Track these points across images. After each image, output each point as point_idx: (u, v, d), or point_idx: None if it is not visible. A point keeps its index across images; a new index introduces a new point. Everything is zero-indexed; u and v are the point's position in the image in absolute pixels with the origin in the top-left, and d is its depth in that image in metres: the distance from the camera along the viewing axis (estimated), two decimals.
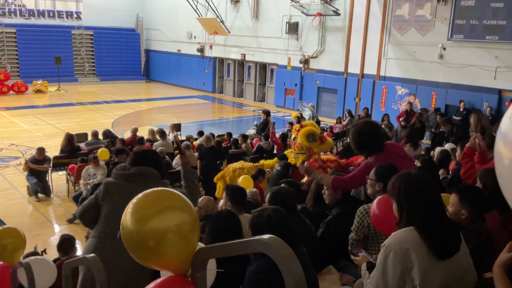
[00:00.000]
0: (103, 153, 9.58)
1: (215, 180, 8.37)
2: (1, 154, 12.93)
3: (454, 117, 14.36)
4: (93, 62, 29.41)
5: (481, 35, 14.59)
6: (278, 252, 1.16)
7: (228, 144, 11.52)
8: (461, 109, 14.34)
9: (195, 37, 27.00)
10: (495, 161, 1.21)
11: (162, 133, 11.46)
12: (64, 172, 10.54)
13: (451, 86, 15.62)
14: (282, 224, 2.55)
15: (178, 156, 10.08)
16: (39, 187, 9.76)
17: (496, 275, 1.86)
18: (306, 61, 20.62)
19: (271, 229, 2.48)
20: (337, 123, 15.41)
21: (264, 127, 13.55)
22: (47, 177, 10.07)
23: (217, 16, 23.23)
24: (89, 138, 11.67)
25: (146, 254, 1.40)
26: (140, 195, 1.48)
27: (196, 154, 10.14)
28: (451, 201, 2.80)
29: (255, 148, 11.29)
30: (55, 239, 6.87)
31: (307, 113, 15.57)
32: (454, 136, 11.91)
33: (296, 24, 20.77)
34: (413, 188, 2.20)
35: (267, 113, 14.57)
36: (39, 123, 17.22)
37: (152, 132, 12.56)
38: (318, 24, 19.63)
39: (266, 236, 1.20)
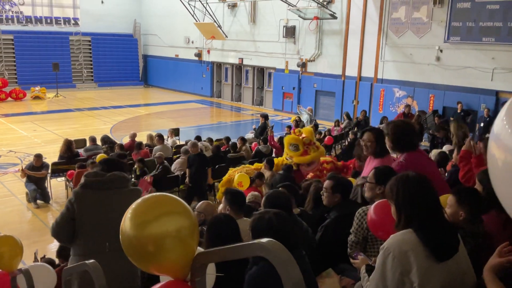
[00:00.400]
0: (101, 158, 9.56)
1: (219, 186, 8.37)
2: (0, 161, 12.92)
3: (452, 119, 14.39)
4: (91, 68, 29.44)
5: (478, 37, 14.64)
6: (276, 255, 1.17)
7: (227, 148, 11.54)
8: (458, 111, 14.38)
9: (192, 42, 27.05)
10: (488, 163, 1.22)
11: (160, 137, 11.47)
12: (63, 178, 10.54)
13: (449, 88, 15.67)
14: (283, 227, 2.56)
15: (177, 160, 10.09)
16: (38, 193, 9.74)
17: (487, 278, 1.89)
18: (303, 65, 20.67)
19: (272, 232, 2.49)
20: (335, 126, 15.43)
21: (263, 131, 13.57)
22: (45, 184, 10.05)
23: (215, 21, 23.28)
24: (88, 144, 11.67)
25: (145, 259, 1.41)
26: (139, 200, 1.49)
27: None
28: (448, 202, 2.81)
29: (253, 152, 11.31)
30: (54, 246, 6.86)
31: (305, 117, 15.60)
32: (450, 142, 11.88)
33: (293, 28, 20.83)
34: (411, 190, 2.21)
35: (265, 117, 14.59)
36: (37, 129, 17.21)
37: (150, 137, 12.57)
38: (315, 27, 19.69)
39: (264, 240, 1.21)
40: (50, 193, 10.10)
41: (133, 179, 9.75)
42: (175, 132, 14.18)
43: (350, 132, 13.59)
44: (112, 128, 17.61)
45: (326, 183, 3.91)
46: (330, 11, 18.74)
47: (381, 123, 14.41)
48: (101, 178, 3.26)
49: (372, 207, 2.82)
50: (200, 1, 22.90)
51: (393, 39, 17.18)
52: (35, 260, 5.74)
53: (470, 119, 14.04)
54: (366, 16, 17.92)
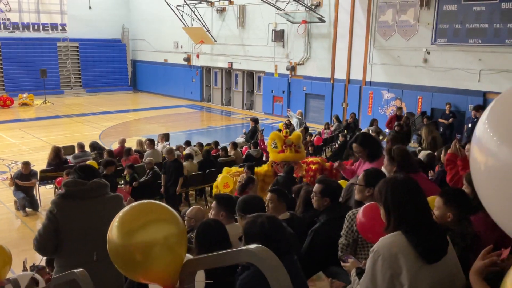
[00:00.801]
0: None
1: (217, 186, 8.39)
2: None
3: (440, 120, 14.52)
4: (79, 74, 29.26)
5: (464, 39, 14.79)
6: (265, 262, 1.17)
7: (217, 153, 11.52)
8: (447, 112, 14.50)
9: (181, 47, 27.01)
10: (471, 166, 1.22)
11: (151, 142, 11.42)
12: (52, 185, 10.43)
13: (437, 89, 15.80)
14: (275, 232, 2.55)
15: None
16: (27, 201, 9.64)
17: (472, 281, 1.91)
18: (293, 68, 20.72)
19: (264, 236, 2.48)
20: (325, 129, 15.49)
21: (253, 135, 13.57)
22: (34, 191, 9.95)
23: (203, 25, 23.28)
24: (76, 150, 11.58)
25: (133, 268, 1.40)
26: (126, 208, 1.48)
27: (185, 163, 10.11)
28: (436, 204, 2.83)
29: (244, 156, 11.31)
30: None
31: (294, 121, 15.65)
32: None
33: (282, 31, 20.89)
34: (400, 192, 2.22)
35: (255, 120, 14.61)
36: (25, 136, 17.05)
37: (140, 143, 12.51)
38: (304, 31, 19.77)
39: (253, 246, 1.21)
40: (39, 201, 9.99)
41: (122, 185, 9.70)
42: (165, 137, 14.13)
43: (340, 135, 13.65)
44: (101, 134, 17.50)
45: (316, 187, 3.93)
46: (318, 14, 18.83)
47: (371, 125, 14.50)
48: (82, 186, 3.17)
49: (361, 210, 2.83)
50: (189, 6, 22.89)
51: (380, 42, 17.30)
52: (24, 269, 5.66)
53: (450, 121, 14.15)
54: (354, 20, 18.03)
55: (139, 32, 30.12)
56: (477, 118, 10.66)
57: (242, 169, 8.55)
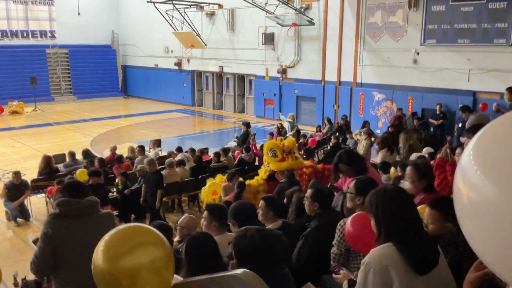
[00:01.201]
0: (81, 174, 9.43)
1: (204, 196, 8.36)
2: None
3: (431, 120, 14.60)
4: (70, 81, 29.09)
5: (453, 39, 14.89)
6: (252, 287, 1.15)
7: (209, 158, 11.49)
8: (437, 112, 14.58)
9: (172, 51, 26.95)
10: (454, 194, 1.21)
11: (142, 149, 11.34)
12: (43, 195, 10.34)
13: (427, 90, 15.88)
14: (265, 246, 2.52)
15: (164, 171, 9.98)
16: (18, 211, 9.55)
17: None
18: (283, 71, 20.75)
19: (254, 250, 2.46)
20: (317, 131, 15.51)
21: (245, 139, 13.54)
22: (25, 201, 9.86)
23: (193, 30, 23.25)
24: (67, 159, 11.48)
25: None
26: (112, 231, 1.45)
27: (178, 170, 10.07)
28: (430, 218, 2.80)
29: (236, 161, 11.28)
30: None
31: (286, 124, 15.66)
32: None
33: (272, 34, 20.91)
34: (390, 203, 2.22)
35: (247, 124, 14.56)
36: (16, 145, 16.90)
37: (131, 150, 12.43)
38: (294, 34, 19.80)
39: (239, 271, 1.19)
40: (30, 211, 9.90)
41: (115, 194, 9.63)
42: (157, 143, 14.05)
43: (332, 137, 13.67)
44: (92, 141, 17.39)
45: (307, 192, 3.97)
46: (308, 17, 18.87)
47: (363, 127, 14.52)
48: (77, 206, 3.16)
49: (348, 221, 2.82)
50: (178, 10, 22.86)
51: (370, 44, 17.37)
52: (15, 282, 5.59)
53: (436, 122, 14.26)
54: (343, 22, 18.09)
55: (129, 37, 30.02)
56: (465, 121, 10.72)
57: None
